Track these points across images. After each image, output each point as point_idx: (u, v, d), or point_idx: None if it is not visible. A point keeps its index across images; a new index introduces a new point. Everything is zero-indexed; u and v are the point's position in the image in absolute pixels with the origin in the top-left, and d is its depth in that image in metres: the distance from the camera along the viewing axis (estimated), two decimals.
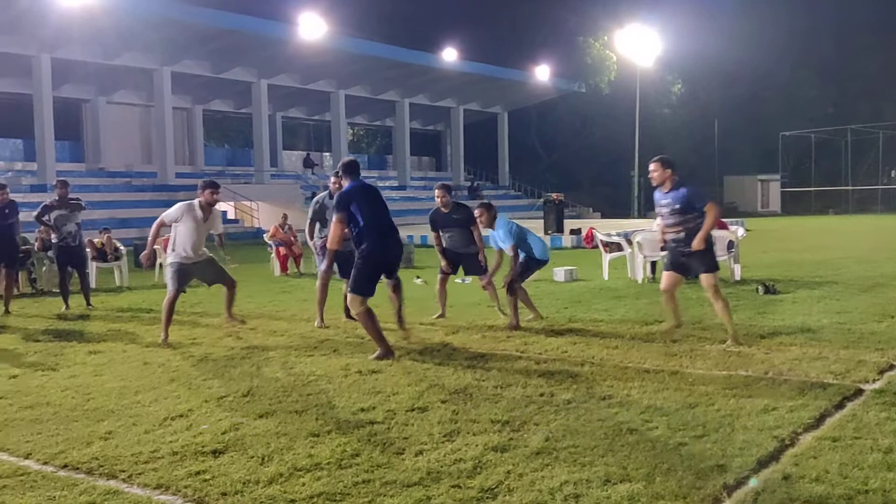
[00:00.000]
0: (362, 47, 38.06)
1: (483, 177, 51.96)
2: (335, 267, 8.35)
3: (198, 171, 39.35)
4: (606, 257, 13.85)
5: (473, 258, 9.30)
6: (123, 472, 4.29)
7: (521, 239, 8.78)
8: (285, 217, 17.10)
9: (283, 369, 6.72)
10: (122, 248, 15.13)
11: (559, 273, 13.35)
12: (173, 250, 8.54)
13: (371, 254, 7.10)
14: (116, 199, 31.63)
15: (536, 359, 6.87)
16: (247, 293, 11.78)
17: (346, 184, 7.39)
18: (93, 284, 12.79)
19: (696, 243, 7.11)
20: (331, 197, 8.56)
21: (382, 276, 7.49)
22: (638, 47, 43.46)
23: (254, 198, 34.49)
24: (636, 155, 41.42)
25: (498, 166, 52.02)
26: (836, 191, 48.66)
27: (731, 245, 12.60)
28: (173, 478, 4.17)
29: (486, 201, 9.19)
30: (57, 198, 11.16)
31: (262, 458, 4.42)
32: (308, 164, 45.64)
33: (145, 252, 8.97)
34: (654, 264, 12.78)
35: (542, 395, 5.56)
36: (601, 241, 14.72)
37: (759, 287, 10.81)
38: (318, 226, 9.13)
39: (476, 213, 8.99)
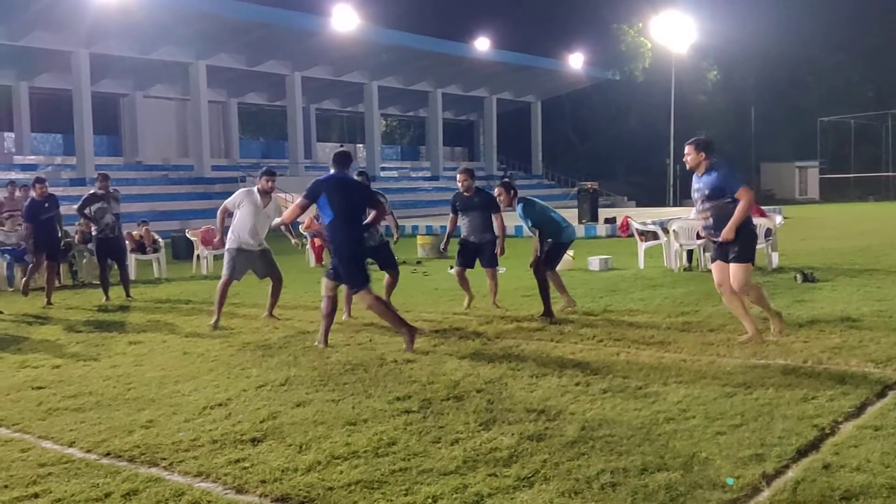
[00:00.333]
0: (395, 38, 38.08)
1: (516, 166, 51.76)
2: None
3: (233, 163, 39.77)
4: (642, 246, 13.76)
5: (490, 247, 9.23)
6: (164, 459, 4.36)
7: (543, 218, 8.65)
8: None
9: (319, 358, 6.77)
10: (160, 240, 15.35)
11: (594, 262, 13.29)
12: (233, 235, 8.82)
13: (342, 246, 7.13)
14: (154, 192, 32.17)
15: (572, 348, 6.85)
16: (283, 283, 11.82)
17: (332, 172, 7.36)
18: (132, 276, 12.98)
19: (727, 232, 6.53)
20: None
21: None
22: (673, 34, 42.90)
23: (289, 189, 34.60)
24: (671, 143, 40.94)
25: (531, 156, 51.80)
26: (877, 177, 47.61)
27: (769, 233, 12.46)
28: (213, 465, 4.23)
29: (506, 180, 9.04)
30: (98, 190, 11.35)
31: (300, 447, 4.46)
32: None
33: (217, 238, 9.28)
34: (690, 253, 12.69)
35: (577, 384, 5.55)
36: (637, 229, 14.62)
37: (798, 275, 10.65)
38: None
39: (496, 191, 8.92)
